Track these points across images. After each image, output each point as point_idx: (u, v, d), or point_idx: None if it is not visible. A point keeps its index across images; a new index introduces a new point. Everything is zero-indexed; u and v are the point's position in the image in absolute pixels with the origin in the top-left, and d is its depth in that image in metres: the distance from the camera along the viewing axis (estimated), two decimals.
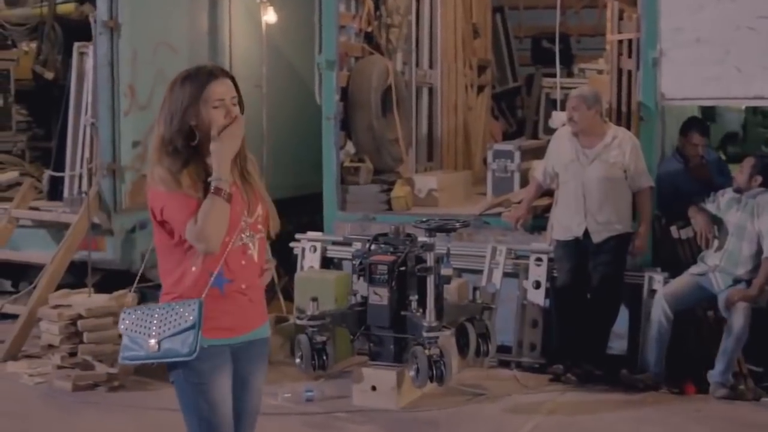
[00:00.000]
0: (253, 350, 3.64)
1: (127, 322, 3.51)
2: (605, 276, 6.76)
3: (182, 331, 3.41)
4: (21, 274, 8.86)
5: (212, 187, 3.41)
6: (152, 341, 3.43)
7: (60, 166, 8.54)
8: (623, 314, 6.99)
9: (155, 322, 3.45)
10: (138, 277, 4.38)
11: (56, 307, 6.68)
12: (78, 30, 8.81)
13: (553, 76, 11.26)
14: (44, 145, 9.66)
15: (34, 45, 9.84)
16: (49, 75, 9.51)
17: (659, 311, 6.64)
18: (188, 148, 3.49)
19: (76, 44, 8.38)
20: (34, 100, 9.93)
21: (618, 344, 7.05)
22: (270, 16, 8.93)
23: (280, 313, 8.11)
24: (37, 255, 8.05)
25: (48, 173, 8.74)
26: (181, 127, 3.48)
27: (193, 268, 3.49)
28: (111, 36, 7.89)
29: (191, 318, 3.41)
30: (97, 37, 7.95)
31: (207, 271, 3.48)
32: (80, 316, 6.58)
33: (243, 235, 3.54)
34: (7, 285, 9.31)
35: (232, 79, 3.60)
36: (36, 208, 8.42)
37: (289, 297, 7.89)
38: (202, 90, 3.47)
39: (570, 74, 11.14)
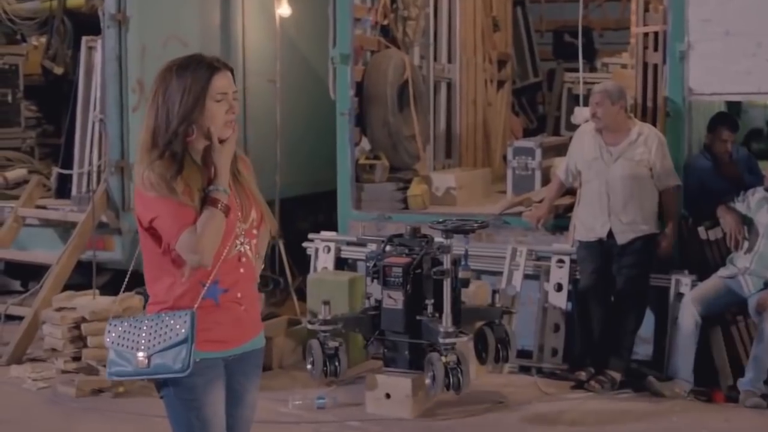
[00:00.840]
0: (247, 362, 3.43)
1: (113, 334, 3.28)
2: (630, 278, 6.53)
3: (174, 345, 3.18)
4: (30, 273, 8.71)
5: (210, 198, 3.18)
6: (141, 356, 3.20)
7: (68, 164, 8.38)
8: (649, 318, 6.76)
9: (144, 335, 3.22)
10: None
11: (60, 309, 6.47)
12: (88, 24, 8.64)
13: (575, 70, 11.08)
14: (54, 141, 9.50)
15: (43, 39, 9.68)
16: (59, 70, 9.35)
17: (687, 316, 6.39)
18: (185, 150, 3.25)
19: (85, 38, 8.22)
20: (43, 96, 9.77)
21: (643, 349, 6.83)
22: (284, 9, 8.75)
23: (293, 314, 7.96)
24: (43, 255, 7.85)
25: (56, 171, 8.55)
26: (180, 127, 3.23)
27: (183, 279, 3.26)
28: (119, 29, 7.72)
29: (183, 331, 3.19)
30: (105, 31, 7.78)
31: (199, 280, 3.26)
32: (84, 320, 6.37)
33: (238, 242, 3.32)
34: (17, 285, 9.16)
35: (232, 71, 3.37)
36: (43, 207, 8.23)
37: (303, 297, 7.69)
38: (208, 83, 3.23)
39: (593, 69, 10.89)
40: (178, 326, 3.19)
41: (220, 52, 8.45)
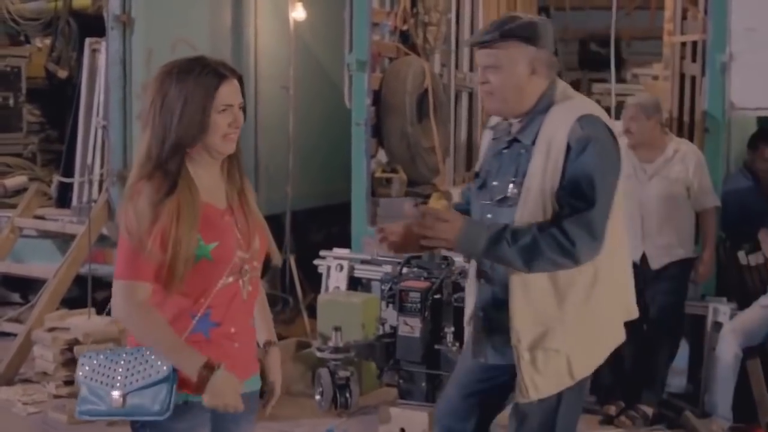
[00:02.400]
0: None
1: (87, 368, 2.93)
2: (665, 306, 6.11)
3: (153, 384, 2.84)
4: (30, 285, 8.33)
5: (204, 373, 2.88)
6: (116, 394, 2.86)
7: (69, 172, 8.01)
8: (683, 348, 6.36)
9: (120, 370, 2.87)
10: None
11: (52, 330, 6.07)
12: (94, 26, 8.27)
13: (601, 81, 10.69)
14: (57, 147, 9.14)
15: (48, 41, 9.35)
16: (63, 73, 9.02)
17: (726, 348, 5.95)
18: (181, 166, 2.90)
19: (88, 40, 7.87)
20: (47, 100, 9.42)
21: (677, 381, 6.45)
22: (298, 13, 8.40)
23: (303, 334, 7.59)
24: (39, 268, 7.48)
25: (57, 179, 8.17)
26: (179, 141, 2.87)
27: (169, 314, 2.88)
28: (123, 31, 7.34)
29: (165, 368, 2.84)
30: (109, 33, 7.41)
31: (187, 312, 2.90)
32: (77, 342, 5.95)
33: (235, 272, 2.97)
34: (16, 297, 8.79)
35: (240, 79, 3.03)
36: (41, 217, 7.85)
37: (314, 314, 7.29)
38: (214, 93, 2.89)
39: (622, 80, 10.44)
40: (159, 362, 2.85)
41: (230, 56, 8.18)
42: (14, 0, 9.35)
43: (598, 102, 9.77)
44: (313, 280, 7.86)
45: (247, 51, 8.45)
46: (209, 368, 2.82)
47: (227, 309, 2.96)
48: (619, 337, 3.49)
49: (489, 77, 3.29)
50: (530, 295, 3.25)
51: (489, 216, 3.33)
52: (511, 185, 3.28)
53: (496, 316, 3.34)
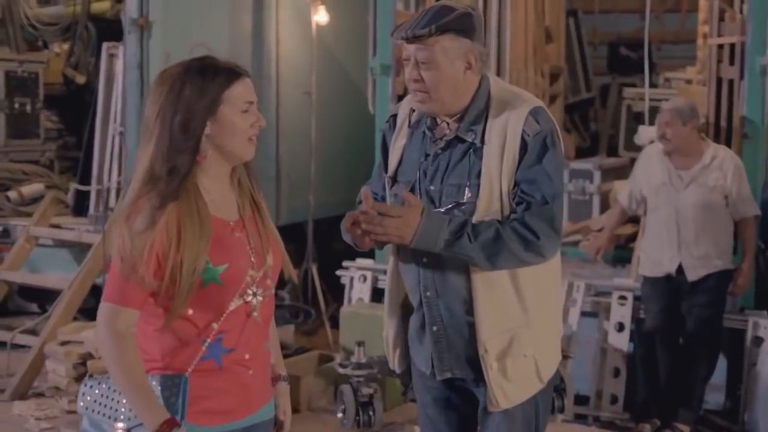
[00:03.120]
0: None
1: (88, 398, 2.69)
2: (702, 319, 5.86)
3: None
4: (48, 294, 8.13)
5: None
6: (119, 426, 2.61)
7: (87, 179, 7.84)
8: (721, 363, 6.08)
9: (125, 401, 2.61)
10: None
11: (65, 343, 5.86)
12: (113, 30, 8.16)
13: (631, 85, 10.46)
14: (75, 154, 9.00)
15: (66, 46, 9.22)
16: (81, 79, 8.91)
17: None
18: (188, 181, 2.65)
19: (105, 44, 7.73)
20: (65, 106, 9.27)
21: (715, 398, 6.18)
22: (321, 16, 8.19)
23: (325, 345, 7.39)
24: (54, 279, 7.28)
25: (74, 187, 7.99)
26: (187, 148, 2.64)
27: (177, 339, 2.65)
28: (141, 35, 7.22)
29: (172, 400, 2.59)
30: (126, 37, 7.28)
31: (197, 338, 2.65)
32: (91, 356, 5.75)
33: (249, 292, 2.72)
34: (34, 307, 8.60)
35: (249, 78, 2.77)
36: (57, 226, 7.67)
37: (337, 324, 7.08)
38: (227, 90, 2.65)
39: (653, 84, 10.19)
40: (167, 393, 2.60)
41: (251, 60, 8.03)
42: (32, 4, 9.24)
43: (629, 108, 9.77)
44: (337, 290, 7.66)
45: (268, 55, 8.31)
46: (169, 427, 2.56)
47: (241, 333, 2.71)
48: (561, 329, 3.39)
49: (422, 75, 3.02)
50: (494, 302, 3.05)
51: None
52: (465, 189, 3.03)
53: (457, 329, 3.11)
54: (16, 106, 8.73)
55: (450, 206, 3.04)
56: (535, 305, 3.09)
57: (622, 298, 6.30)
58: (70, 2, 9.10)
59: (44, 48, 9.47)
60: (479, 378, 3.10)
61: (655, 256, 5.99)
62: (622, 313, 6.29)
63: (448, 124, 3.12)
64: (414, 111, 3.21)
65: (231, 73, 2.69)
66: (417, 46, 3.01)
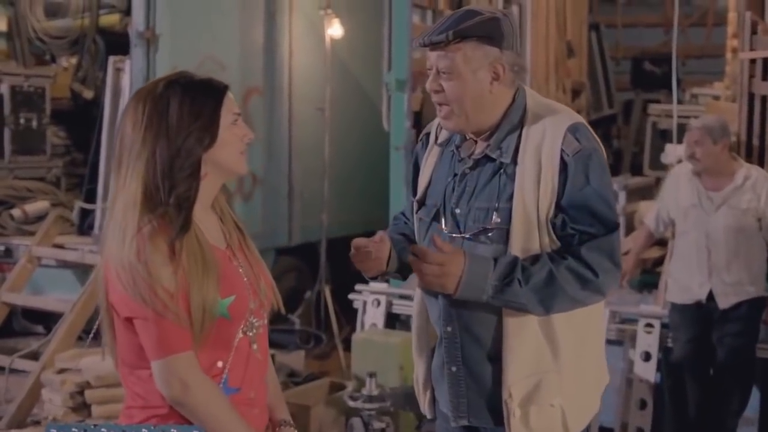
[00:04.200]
0: None
1: None
2: (734, 349, 5.60)
3: None
4: (53, 316, 7.91)
5: None
6: None
7: (93, 197, 7.62)
8: (754, 396, 5.85)
9: None
10: None
11: (62, 371, 5.59)
12: (122, 45, 7.94)
13: (656, 101, 10.22)
14: (82, 171, 8.78)
15: (74, 60, 9.03)
16: (89, 94, 8.71)
17: None
18: (194, 201, 2.43)
19: (112, 58, 7.55)
20: (72, 122, 9.05)
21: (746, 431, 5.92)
22: (335, 30, 8.01)
23: (338, 371, 7.22)
24: (55, 302, 7.03)
25: (78, 205, 7.76)
26: (189, 168, 2.43)
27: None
28: (147, 49, 7.03)
29: None
30: (133, 50, 7.12)
31: None
32: (89, 385, 5.48)
33: (249, 324, 2.52)
34: (39, 328, 8.37)
35: None
36: (61, 246, 7.42)
37: (351, 348, 6.83)
38: (220, 103, 2.47)
39: (679, 100, 9.95)
40: None
41: (263, 75, 7.93)
42: (40, 18, 9.03)
43: (654, 125, 9.51)
44: (351, 312, 7.41)
45: (280, 70, 8.18)
46: None
47: (245, 370, 2.50)
48: (606, 378, 2.99)
49: (443, 85, 2.73)
50: (524, 342, 2.74)
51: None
52: (493, 213, 2.73)
53: (478, 371, 2.82)
54: (22, 121, 8.50)
55: (476, 232, 2.75)
56: (569, 349, 2.77)
57: (649, 325, 6.05)
58: (78, 15, 8.89)
59: (52, 62, 9.26)
60: (499, 422, 2.80)
61: (683, 282, 5.74)
62: (648, 341, 6.04)
63: (476, 141, 2.83)
64: (442, 128, 2.93)
65: (219, 87, 2.52)
66: (438, 54, 2.73)
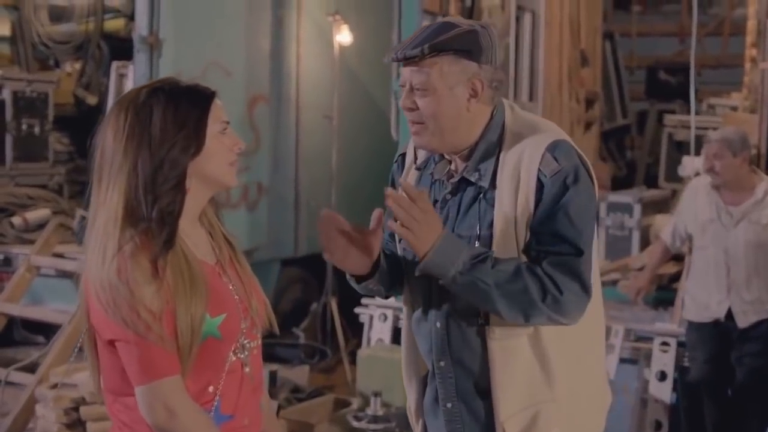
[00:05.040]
0: None
1: None
2: (754, 369, 5.44)
3: None
4: (53, 327, 7.77)
5: None
6: None
7: None
8: None
9: None
10: None
11: (56, 386, 5.43)
12: (127, 50, 7.83)
13: (671, 112, 10.09)
14: (86, 178, 8.56)
15: (78, 65, 8.90)
16: (92, 99, 8.61)
17: None
18: (179, 215, 2.29)
19: (115, 63, 7.45)
20: (76, 128, 8.91)
21: None
22: (344, 36, 7.86)
23: (344, 386, 7.07)
24: (53, 313, 6.87)
25: (80, 213, 7.59)
26: (173, 180, 2.28)
27: None
28: (150, 54, 6.88)
29: None
30: (136, 55, 6.99)
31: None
32: (84, 401, 5.32)
33: (240, 346, 2.36)
34: (39, 338, 8.21)
35: None
36: (61, 255, 7.25)
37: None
38: (207, 111, 2.31)
39: (695, 111, 9.84)
40: None
41: (269, 82, 7.78)
42: (44, 22, 8.91)
43: (670, 136, 9.36)
44: (357, 325, 7.27)
45: (287, 77, 8.04)
46: None
47: (238, 396, 2.35)
48: (609, 396, 2.80)
49: (417, 102, 2.55)
50: (514, 374, 2.57)
51: (441, 281, 2.55)
52: (475, 242, 2.56)
53: (474, 406, 2.65)
54: (24, 127, 8.36)
55: None
56: (564, 374, 2.60)
57: (665, 344, 5.90)
58: (83, 20, 8.78)
59: (56, 67, 9.14)
60: None
61: (701, 300, 5.57)
62: (664, 360, 5.88)
63: (450, 162, 2.65)
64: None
65: (206, 94, 2.35)
66: (412, 69, 2.54)
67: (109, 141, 2.29)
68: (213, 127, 2.31)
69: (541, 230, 2.50)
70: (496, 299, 2.46)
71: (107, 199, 2.26)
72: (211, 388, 2.29)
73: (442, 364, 2.65)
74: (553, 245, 2.48)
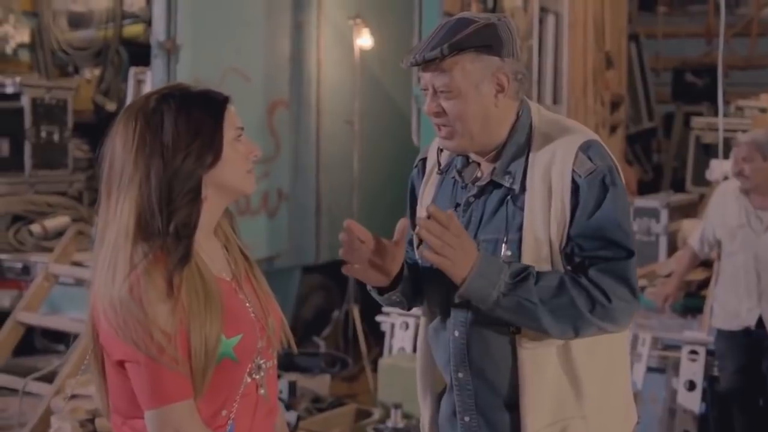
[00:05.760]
0: None
1: None
2: None
3: None
4: (74, 336, 7.73)
5: None
6: None
7: None
8: None
9: None
10: None
11: (72, 397, 5.34)
12: (146, 56, 7.76)
13: (698, 114, 9.95)
14: None
15: (97, 72, 8.87)
16: (112, 106, 8.57)
17: None
18: (195, 229, 2.18)
19: (133, 69, 7.40)
20: (95, 135, 8.81)
21: None
22: (365, 40, 7.79)
23: (367, 396, 6.92)
24: (71, 322, 6.78)
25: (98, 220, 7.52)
26: (189, 191, 2.17)
27: None
28: (168, 59, 6.83)
29: None
30: (153, 61, 6.94)
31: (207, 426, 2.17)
32: (100, 413, 5.21)
33: (256, 366, 2.24)
34: (60, 347, 8.16)
35: None
36: (80, 263, 7.17)
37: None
38: (221, 117, 2.20)
39: (723, 113, 9.69)
40: None
41: (289, 88, 7.72)
42: (64, 29, 8.89)
43: (698, 139, 9.21)
44: (379, 333, 7.19)
45: (308, 83, 7.98)
46: None
47: (252, 420, 2.24)
48: (635, 417, 2.69)
49: (443, 105, 2.45)
50: (544, 386, 2.46)
51: (483, 306, 2.44)
52: (503, 246, 2.46)
53: (494, 420, 2.54)
54: (43, 134, 8.30)
55: None
56: (594, 389, 2.50)
57: (693, 352, 5.78)
58: (102, 26, 8.75)
59: (75, 74, 9.10)
60: None
61: (731, 307, 5.44)
62: (693, 369, 5.76)
63: (479, 165, 2.55)
64: (442, 152, 2.64)
65: (219, 100, 2.24)
66: (433, 72, 2.45)
67: (119, 151, 2.17)
68: (228, 134, 2.21)
69: (585, 235, 2.40)
70: (543, 316, 2.37)
71: (117, 213, 2.14)
72: (224, 412, 2.18)
73: (460, 375, 2.54)
74: (601, 250, 2.39)
